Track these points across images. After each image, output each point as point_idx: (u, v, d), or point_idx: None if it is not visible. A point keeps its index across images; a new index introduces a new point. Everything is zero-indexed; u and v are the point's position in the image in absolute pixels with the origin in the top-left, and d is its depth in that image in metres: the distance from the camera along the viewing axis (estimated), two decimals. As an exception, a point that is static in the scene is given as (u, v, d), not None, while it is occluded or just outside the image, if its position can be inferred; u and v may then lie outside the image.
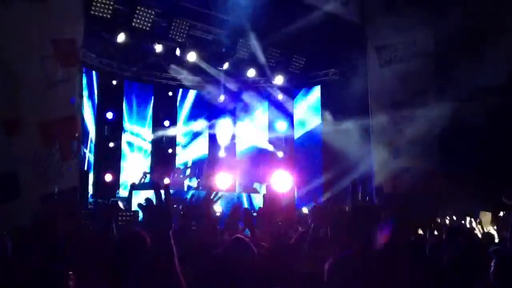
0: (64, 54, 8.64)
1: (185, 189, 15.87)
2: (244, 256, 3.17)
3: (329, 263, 2.69)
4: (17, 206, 7.83)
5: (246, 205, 14.57)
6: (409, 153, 12.51)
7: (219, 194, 3.94)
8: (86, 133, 15.00)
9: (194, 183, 16.64)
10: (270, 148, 17.84)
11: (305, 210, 11.81)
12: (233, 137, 18.42)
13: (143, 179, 15.74)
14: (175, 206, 4.03)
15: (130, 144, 17.13)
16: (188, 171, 16.78)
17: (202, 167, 17.45)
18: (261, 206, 13.85)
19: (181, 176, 16.33)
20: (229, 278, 3.02)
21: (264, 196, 15.21)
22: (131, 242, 3.16)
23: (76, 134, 9.05)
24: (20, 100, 8.08)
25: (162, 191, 2.53)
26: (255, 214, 5.86)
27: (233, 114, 18.38)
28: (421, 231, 6.05)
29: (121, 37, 13.22)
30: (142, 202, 2.86)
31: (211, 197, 4.02)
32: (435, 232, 6.03)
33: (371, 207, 2.46)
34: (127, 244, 3.17)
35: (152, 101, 17.48)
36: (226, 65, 15.76)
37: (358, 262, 2.40)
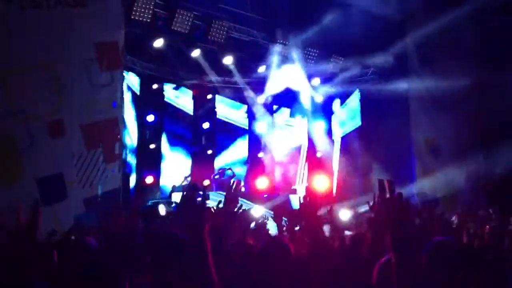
0: (107, 57, 8.78)
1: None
2: (281, 256, 3.12)
3: (378, 266, 2.64)
4: (62, 208, 7.97)
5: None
6: (451, 153, 12.28)
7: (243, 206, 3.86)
8: (127, 136, 15.22)
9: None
10: (310, 149, 17.73)
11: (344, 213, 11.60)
12: (273, 138, 18.36)
13: (183, 182, 15.87)
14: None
15: (170, 146, 17.30)
16: (229, 172, 16.84)
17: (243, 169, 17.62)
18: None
19: (224, 178, 16.40)
20: (264, 278, 2.98)
21: (300, 197, 15.04)
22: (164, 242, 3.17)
23: (119, 137, 9.17)
24: (63, 102, 8.24)
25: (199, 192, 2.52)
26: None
27: (272, 115, 18.33)
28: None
29: (161, 41, 13.40)
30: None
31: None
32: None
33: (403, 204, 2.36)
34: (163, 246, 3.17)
35: (192, 104, 17.59)
36: (263, 68, 15.77)
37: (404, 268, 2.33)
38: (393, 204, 2.34)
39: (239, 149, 18.68)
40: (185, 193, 2.61)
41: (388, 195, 2.35)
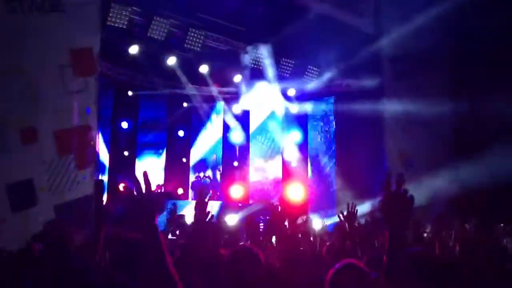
0: (82, 63, 8.69)
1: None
2: (250, 265, 3.10)
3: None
4: (32, 214, 7.86)
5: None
6: (423, 165, 12.43)
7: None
8: (101, 142, 15.09)
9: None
10: (285, 158, 17.79)
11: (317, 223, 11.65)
12: (247, 147, 18.39)
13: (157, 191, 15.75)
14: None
15: (144, 154, 17.18)
16: (207, 180, 16.82)
17: (216, 178, 17.59)
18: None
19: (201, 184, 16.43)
20: (232, 286, 2.97)
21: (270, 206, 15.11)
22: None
23: (92, 143, 9.07)
24: (37, 109, 8.13)
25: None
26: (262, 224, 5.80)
27: (246, 125, 18.36)
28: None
29: (136, 48, 13.36)
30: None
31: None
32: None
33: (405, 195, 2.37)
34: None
35: (167, 112, 17.53)
36: (239, 77, 15.84)
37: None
38: (396, 199, 2.33)
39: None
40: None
41: (394, 190, 2.34)
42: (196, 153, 18.29)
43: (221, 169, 18.10)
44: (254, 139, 18.29)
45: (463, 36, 11.95)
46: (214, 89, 16.73)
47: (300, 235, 6.06)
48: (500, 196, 10.58)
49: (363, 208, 12.48)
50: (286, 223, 3.86)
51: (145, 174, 2.42)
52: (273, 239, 4.71)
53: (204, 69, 15.18)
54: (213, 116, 18.38)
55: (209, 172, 17.86)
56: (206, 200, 3.68)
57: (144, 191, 2.35)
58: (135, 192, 2.36)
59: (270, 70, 15.08)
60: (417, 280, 2.70)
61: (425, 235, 5.89)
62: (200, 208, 3.47)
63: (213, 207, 13.21)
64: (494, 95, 10.79)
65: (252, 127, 18.27)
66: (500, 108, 10.62)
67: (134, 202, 2.34)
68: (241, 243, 4.70)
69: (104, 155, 15.89)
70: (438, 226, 6.34)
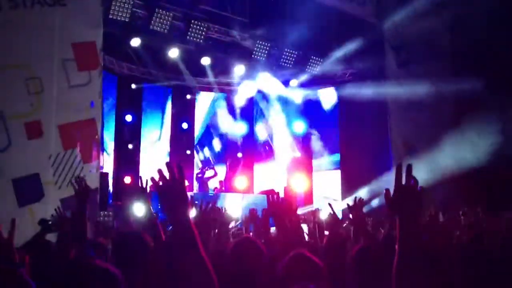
0: (85, 57, 8.74)
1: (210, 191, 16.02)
2: (252, 256, 3.10)
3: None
4: (38, 208, 7.92)
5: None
6: (427, 153, 12.43)
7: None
8: (106, 136, 15.13)
9: (216, 183, 16.80)
10: (288, 149, 17.81)
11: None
12: (251, 139, 18.41)
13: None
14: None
15: (149, 146, 17.24)
16: (212, 172, 16.86)
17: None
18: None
19: (205, 176, 16.47)
20: (235, 277, 2.96)
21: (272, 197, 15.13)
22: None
23: (96, 137, 9.13)
24: (41, 103, 8.19)
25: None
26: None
27: (250, 116, 18.38)
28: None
29: (138, 40, 13.37)
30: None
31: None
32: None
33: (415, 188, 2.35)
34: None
35: (171, 104, 17.56)
36: (242, 69, 15.84)
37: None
38: (407, 191, 2.33)
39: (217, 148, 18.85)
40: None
41: (404, 181, 2.33)
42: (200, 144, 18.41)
43: (227, 161, 18.22)
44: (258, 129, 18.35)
45: (462, 21, 11.88)
46: (216, 81, 16.75)
47: (310, 226, 6.09)
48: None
49: (367, 194, 12.58)
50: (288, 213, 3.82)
51: (178, 167, 2.37)
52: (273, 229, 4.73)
53: (206, 61, 15.20)
54: (216, 108, 18.42)
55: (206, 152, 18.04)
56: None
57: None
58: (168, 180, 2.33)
59: (273, 61, 15.05)
60: (430, 270, 2.66)
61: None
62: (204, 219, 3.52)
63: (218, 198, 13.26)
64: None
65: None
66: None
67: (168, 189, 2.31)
68: (245, 235, 4.71)
69: (108, 149, 15.95)
70: (446, 214, 6.31)
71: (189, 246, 2.20)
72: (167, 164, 2.35)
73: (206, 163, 18.15)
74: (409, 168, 2.31)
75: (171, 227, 2.54)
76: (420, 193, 2.31)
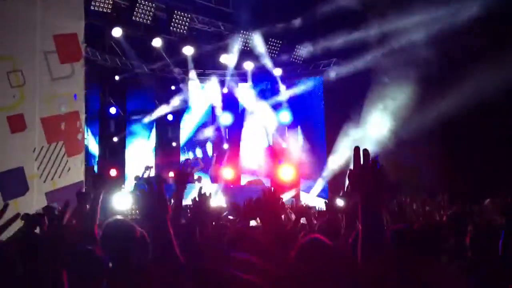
0: (67, 49, 8.66)
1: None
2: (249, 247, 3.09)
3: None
4: (23, 202, 7.87)
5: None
6: (411, 140, 12.53)
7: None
8: (89, 128, 15.01)
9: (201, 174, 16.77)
10: (275, 140, 17.79)
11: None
12: (237, 129, 18.36)
13: (145, 173, 15.69)
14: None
15: (133, 138, 17.15)
16: (201, 164, 16.82)
17: (209, 160, 17.64)
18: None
19: (192, 168, 16.37)
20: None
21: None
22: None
23: (81, 130, 9.06)
24: (24, 95, 8.11)
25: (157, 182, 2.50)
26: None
27: (235, 106, 18.31)
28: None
29: (119, 30, 13.25)
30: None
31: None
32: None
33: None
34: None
35: (155, 95, 17.45)
36: (225, 57, 15.76)
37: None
38: (366, 172, 2.35)
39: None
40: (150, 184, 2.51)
41: (362, 163, 2.35)
42: (184, 134, 18.35)
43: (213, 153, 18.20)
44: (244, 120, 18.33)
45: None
46: (200, 71, 16.69)
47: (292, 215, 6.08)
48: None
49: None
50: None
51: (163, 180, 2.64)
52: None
53: (189, 50, 15.07)
54: (200, 98, 18.32)
55: (198, 153, 17.99)
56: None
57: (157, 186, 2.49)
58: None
59: (258, 51, 15.00)
60: (398, 258, 2.65)
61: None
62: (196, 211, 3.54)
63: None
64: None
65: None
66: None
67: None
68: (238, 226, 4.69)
69: (93, 142, 15.83)
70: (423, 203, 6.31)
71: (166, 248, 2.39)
72: (147, 179, 2.62)
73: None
74: (366, 151, 2.36)
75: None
76: (380, 172, 2.35)
